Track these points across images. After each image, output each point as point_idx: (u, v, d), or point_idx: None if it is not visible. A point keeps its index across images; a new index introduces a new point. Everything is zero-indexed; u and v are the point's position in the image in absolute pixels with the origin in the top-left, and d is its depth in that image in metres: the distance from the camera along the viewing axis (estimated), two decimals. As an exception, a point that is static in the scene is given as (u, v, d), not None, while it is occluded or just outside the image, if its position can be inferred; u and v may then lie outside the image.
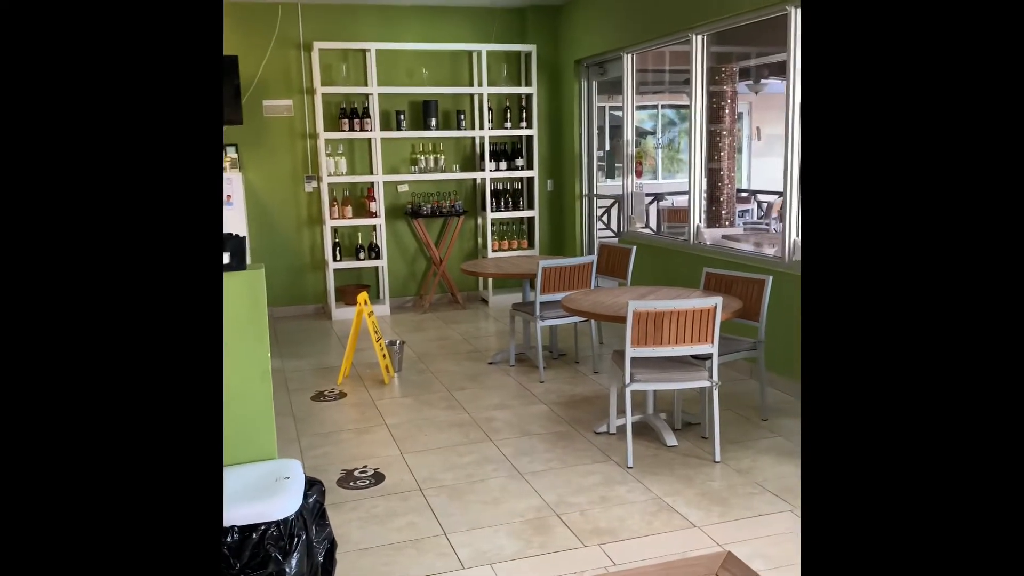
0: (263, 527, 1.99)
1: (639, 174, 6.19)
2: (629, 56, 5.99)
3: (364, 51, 6.54)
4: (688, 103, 5.27)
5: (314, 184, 6.67)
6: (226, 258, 2.21)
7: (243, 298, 2.22)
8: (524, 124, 7.04)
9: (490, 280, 7.05)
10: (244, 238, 2.26)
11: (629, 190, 6.23)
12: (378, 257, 6.75)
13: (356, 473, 3.41)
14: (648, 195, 7.59)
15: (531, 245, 7.20)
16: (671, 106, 10.48)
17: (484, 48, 6.78)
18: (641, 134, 9.56)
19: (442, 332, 6.08)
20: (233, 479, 2.14)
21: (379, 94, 6.55)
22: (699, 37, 5.05)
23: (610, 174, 9.18)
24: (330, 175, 6.49)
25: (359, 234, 6.81)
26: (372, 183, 6.64)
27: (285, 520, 2.03)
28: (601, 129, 7.71)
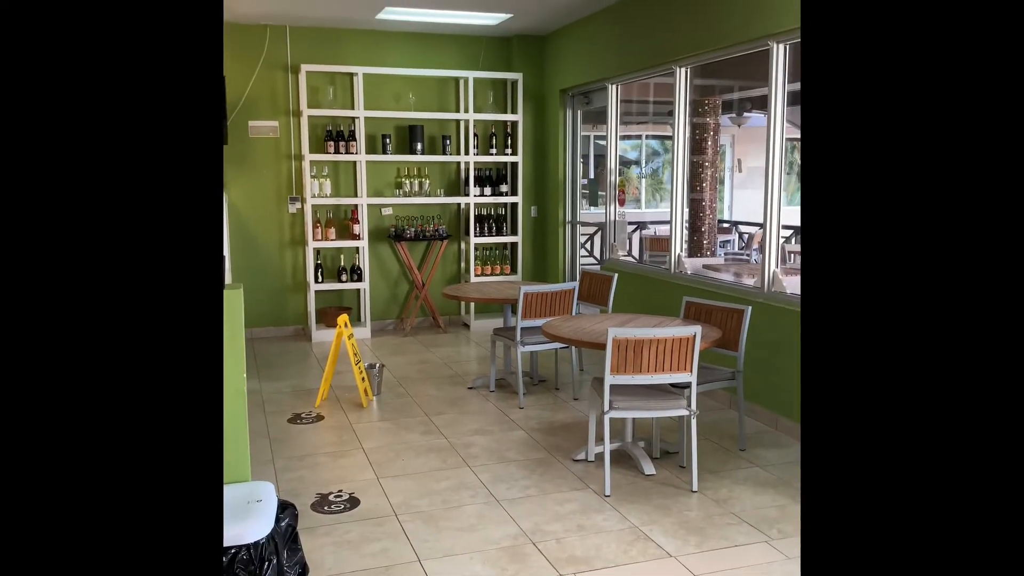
0: (233, 550, 1.96)
1: (622, 202, 6.24)
2: (614, 86, 6.07)
3: (351, 75, 6.58)
4: (671, 134, 5.34)
5: (298, 205, 6.66)
6: (205, 277, 2.20)
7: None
8: (509, 151, 7.09)
9: (472, 304, 7.05)
10: (222, 257, 2.25)
11: (612, 218, 6.28)
12: (360, 279, 6.73)
13: (331, 497, 3.37)
14: (631, 223, 7.64)
15: (514, 271, 7.22)
16: (655, 136, 10.61)
17: (471, 75, 6.84)
18: (625, 163, 9.66)
19: (423, 356, 6.05)
20: (204, 501, 2.10)
21: (365, 117, 6.58)
22: (683, 69, 5.13)
23: (593, 202, 9.24)
24: (314, 196, 6.49)
25: (342, 256, 6.80)
26: (356, 205, 6.65)
27: (256, 543, 1.99)
28: (585, 157, 7.78)
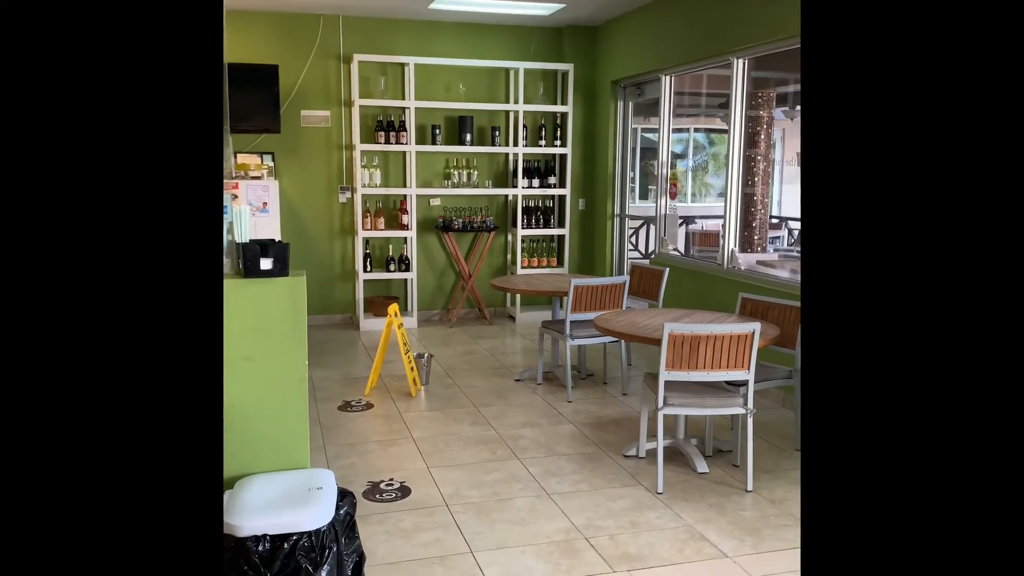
0: (295, 537, 1.97)
1: (673, 196, 6.15)
2: (667, 78, 5.97)
3: (403, 65, 6.60)
4: (720, 127, 5.24)
5: (348, 195, 6.71)
6: (268, 264, 2.21)
7: (284, 304, 2.22)
8: (558, 142, 7.03)
9: (518, 297, 7.03)
10: (287, 245, 2.26)
11: (663, 211, 6.19)
12: (408, 269, 6.76)
13: (382, 485, 3.39)
14: (679, 218, 7.54)
15: (560, 263, 7.17)
16: (702, 130, 10.44)
17: (521, 66, 6.80)
18: (672, 157, 9.52)
19: (469, 347, 6.05)
20: (266, 487, 2.12)
21: (416, 108, 6.59)
22: (740, 61, 5.02)
23: (642, 195, 9.11)
24: (364, 186, 6.53)
25: (390, 246, 6.83)
26: (405, 196, 6.67)
27: (317, 531, 2.00)
28: (633, 150, 7.68)
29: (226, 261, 2.37)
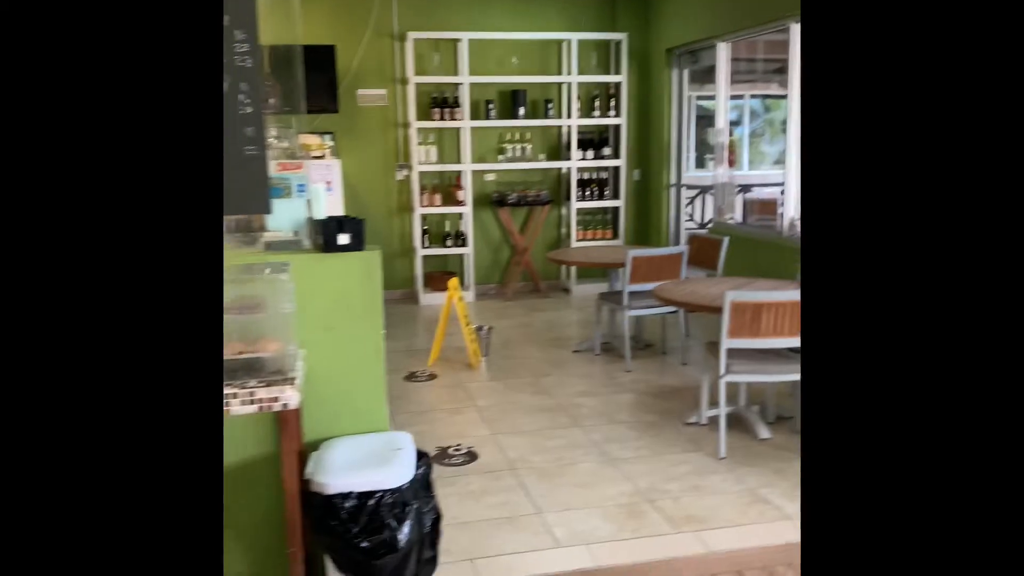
0: (379, 494, 2.10)
1: (732, 164, 6.10)
2: (724, 44, 5.89)
3: (456, 41, 6.65)
4: (776, 92, 5.16)
5: (405, 172, 6.83)
6: (345, 239, 2.33)
7: (360, 277, 2.33)
8: (612, 113, 7.02)
9: (573, 270, 7.08)
10: (363, 221, 2.37)
11: (721, 180, 6.14)
12: (464, 245, 6.87)
13: (450, 451, 3.52)
14: (736, 186, 7.45)
15: (616, 235, 7.19)
16: (758, 96, 10.23)
17: (574, 37, 6.78)
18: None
19: (525, 319, 6.15)
20: (351, 448, 2.25)
21: (469, 83, 6.65)
22: (799, 26, 4.93)
23: (698, 164, 9.03)
24: (421, 164, 6.64)
25: (447, 222, 6.95)
26: (460, 171, 6.76)
27: (399, 489, 2.13)
28: (689, 119, 7.60)
29: (304, 237, 2.49)
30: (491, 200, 7.01)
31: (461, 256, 7.02)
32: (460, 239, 6.88)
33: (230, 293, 2.07)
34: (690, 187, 7.33)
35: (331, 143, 6.44)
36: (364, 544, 2.06)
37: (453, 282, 4.89)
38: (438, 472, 3.28)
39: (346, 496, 2.08)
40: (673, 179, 6.97)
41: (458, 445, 3.59)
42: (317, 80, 6.16)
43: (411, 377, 4.68)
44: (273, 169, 2.34)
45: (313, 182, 2.80)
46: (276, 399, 1.92)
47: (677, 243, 6.92)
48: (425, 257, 6.89)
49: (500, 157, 6.94)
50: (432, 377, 4.67)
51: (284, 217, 2.51)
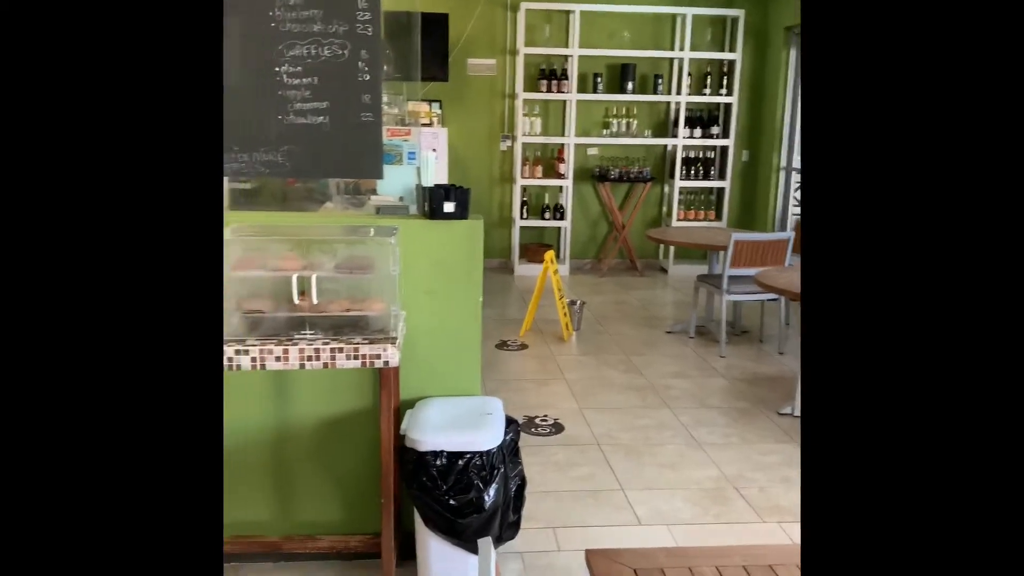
0: (468, 455, 2.17)
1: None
2: (848, 23, 5.60)
3: (568, 12, 6.60)
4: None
5: (508, 143, 6.88)
6: (451, 207, 2.39)
7: (463, 244, 2.39)
8: (724, 91, 6.81)
9: (671, 250, 6.97)
10: (468, 190, 2.43)
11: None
12: (562, 218, 6.87)
13: (537, 420, 3.58)
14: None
15: (718, 217, 7.02)
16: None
17: (689, 11, 6.60)
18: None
19: (619, 297, 6.12)
20: (444, 409, 2.34)
21: (579, 56, 6.60)
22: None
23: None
24: (524, 135, 6.67)
25: (546, 194, 6.96)
26: (563, 144, 6.75)
27: (488, 452, 2.19)
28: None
29: (411, 202, 2.58)
30: (592, 174, 6.97)
31: (558, 229, 7.04)
32: (559, 212, 6.89)
33: (341, 253, 2.17)
34: (800, 171, 7.05)
35: (438, 111, 6.55)
36: (452, 502, 2.14)
37: (549, 255, 4.92)
38: (524, 440, 3.35)
39: (437, 454, 2.17)
40: (783, 162, 6.72)
41: (545, 416, 3.64)
42: (429, 48, 6.26)
43: (502, 345, 4.76)
44: (384, 135, 2.42)
45: (422, 149, 2.88)
46: (378, 356, 2.02)
47: (783, 229, 6.70)
48: (523, 228, 6.95)
49: (604, 132, 6.88)
50: (523, 347, 4.74)
51: (393, 182, 2.60)
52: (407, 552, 2.36)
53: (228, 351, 1.97)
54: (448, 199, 2.37)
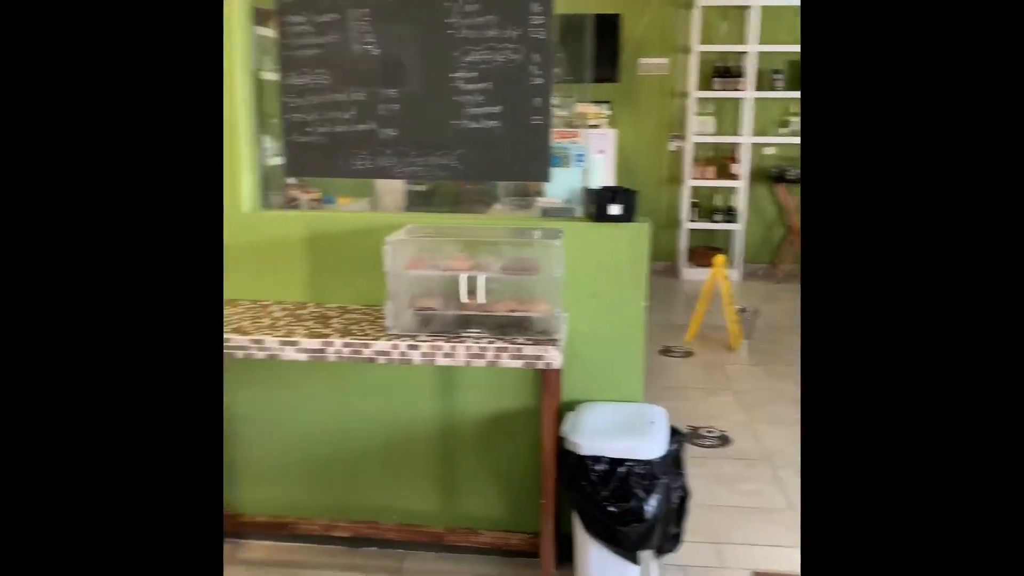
0: (630, 463, 2.13)
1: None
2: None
3: (745, 8, 6.32)
4: None
5: (678, 143, 6.71)
6: (617, 209, 2.36)
7: (628, 247, 2.36)
8: (920, 84, 6.23)
9: (856, 256, 6.48)
10: (635, 192, 2.38)
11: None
12: (734, 220, 6.60)
13: (702, 431, 3.45)
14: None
15: (910, 221, 6.43)
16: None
17: None
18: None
19: (795, 305, 5.77)
20: (606, 414, 2.31)
21: (757, 52, 6.30)
22: None
23: None
24: (696, 134, 6.47)
25: (717, 196, 6.72)
26: (737, 144, 6.47)
27: (649, 461, 2.14)
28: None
29: (577, 204, 2.57)
30: (769, 175, 6.63)
31: (729, 232, 6.76)
32: (730, 214, 6.62)
33: (507, 255, 2.21)
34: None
35: (608, 112, 6.52)
36: (611, 508, 2.11)
37: (719, 259, 4.73)
38: (688, 451, 3.24)
39: (597, 459, 2.14)
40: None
41: (711, 427, 3.51)
42: (601, 49, 6.24)
43: (666, 352, 4.65)
44: (552, 138, 2.43)
45: (591, 152, 2.86)
46: (540, 357, 2.03)
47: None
48: (691, 231, 6.74)
49: (782, 130, 6.52)
50: (688, 354, 4.60)
51: (560, 185, 2.61)
52: (565, 555, 2.35)
53: (401, 345, 2.06)
54: (614, 201, 2.34)
